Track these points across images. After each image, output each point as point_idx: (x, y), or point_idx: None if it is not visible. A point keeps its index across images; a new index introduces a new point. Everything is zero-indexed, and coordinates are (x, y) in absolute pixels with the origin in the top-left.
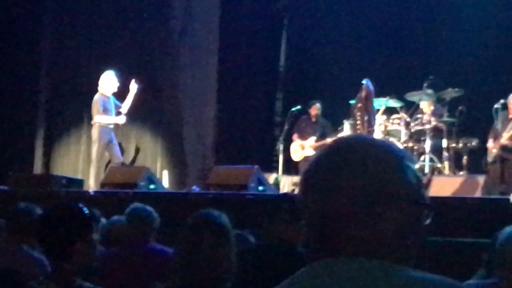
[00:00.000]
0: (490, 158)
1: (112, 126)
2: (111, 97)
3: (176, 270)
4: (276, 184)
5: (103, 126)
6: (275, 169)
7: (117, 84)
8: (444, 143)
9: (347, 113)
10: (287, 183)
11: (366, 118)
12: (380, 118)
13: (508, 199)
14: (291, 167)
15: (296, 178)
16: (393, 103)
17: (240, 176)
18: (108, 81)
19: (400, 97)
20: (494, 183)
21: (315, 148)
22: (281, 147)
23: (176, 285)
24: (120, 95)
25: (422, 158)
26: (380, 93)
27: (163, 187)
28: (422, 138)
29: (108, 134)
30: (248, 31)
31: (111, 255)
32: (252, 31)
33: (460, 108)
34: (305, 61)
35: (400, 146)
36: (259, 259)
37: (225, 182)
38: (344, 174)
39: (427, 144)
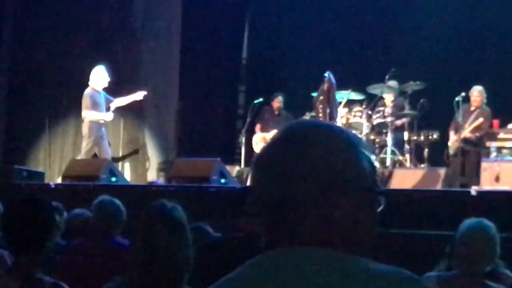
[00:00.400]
0: (451, 151)
1: (102, 122)
2: (101, 91)
3: (132, 264)
4: (239, 176)
5: (94, 122)
6: (238, 162)
7: (108, 79)
8: (406, 135)
9: (309, 105)
10: (250, 175)
11: (328, 110)
12: (342, 111)
13: (469, 191)
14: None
15: None
16: (355, 95)
17: (202, 168)
18: (99, 76)
19: (362, 90)
20: (455, 175)
21: None
22: (243, 139)
23: (133, 279)
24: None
25: (383, 151)
26: (342, 86)
27: (125, 179)
28: (383, 131)
29: (98, 129)
30: (210, 24)
31: (73, 248)
32: (214, 23)
33: (421, 101)
34: (267, 54)
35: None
36: (222, 253)
37: (187, 174)
38: (298, 161)
39: (389, 137)
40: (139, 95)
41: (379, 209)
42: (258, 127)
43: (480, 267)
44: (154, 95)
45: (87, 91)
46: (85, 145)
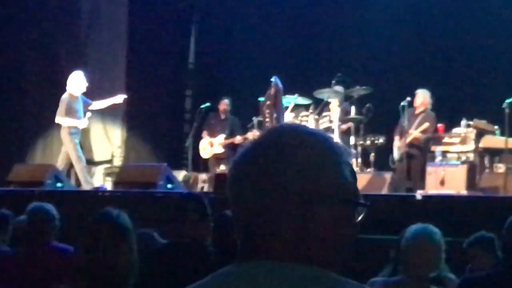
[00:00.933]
0: (396, 156)
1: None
2: (79, 97)
3: (76, 270)
4: (186, 181)
5: (72, 127)
6: (185, 166)
7: (86, 84)
8: (352, 140)
9: (256, 110)
10: (197, 181)
11: (275, 115)
12: (289, 116)
13: (415, 196)
14: (200, 164)
15: (205, 176)
16: (302, 100)
17: (149, 174)
18: (77, 81)
19: (308, 95)
20: (400, 180)
21: (224, 146)
22: (190, 144)
23: (78, 285)
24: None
25: None
26: (288, 91)
27: (70, 185)
28: (330, 136)
29: (78, 134)
30: (157, 28)
31: (15, 255)
32: (161, 28)
33: (367, 105)
34: (214, 58)
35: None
36: (167, 258)
37: (134, 180)
38: (276, 169)
39: None
40: (119, 98)
41: (358, 220)
42: (205, 132)
43: (426, 272)
44: (101, 99)
45: (64, 96)
46: (73, 152)
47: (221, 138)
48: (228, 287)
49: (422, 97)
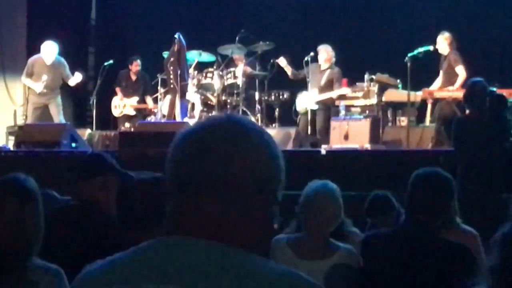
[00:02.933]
0: (300, 110)
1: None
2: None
3: None
4: (90, 139)
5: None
6: (89, 125)
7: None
8: (257, 95)
9: (161, 66)
10: (101, 139)
11: (179, 72)
12: (193, 72)
13: (319, 151)
14: (109, 121)
15: (110, 133)
16: (206, 57)
17: (52, 133)
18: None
19: (213, 51)
20: (304, 134)
21: (136, 109)
22: (94, 101)
23: None
24: None
25: (235, 111)
26: (192, 47)
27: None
28: (235, 91)
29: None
30: None
31: None
32: None
33: (271, 61)
34: (117, 14)
35: (214, 100)
36: (65, 220)
37: (37, 139)
38: (205, 159)
39: (240, 97)
40: (77, 77)
41: (275, 223)
42: (118, 89)
43: (324, 228)
44: (1, 58)
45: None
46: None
47: (133, 101)
48: (145, 261)
49: (326, 53)
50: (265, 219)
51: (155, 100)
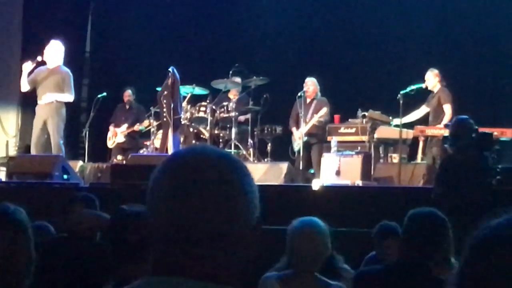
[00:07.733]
0: (296, 147)
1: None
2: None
3: None
4: (82, 171)
5: None
6: (81, 156)
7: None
8: (249, 130)
9: (154, 100)
10: (93, 171)
11: (172, 105)
12: (186, 106)
13: (311, 186)
14: (102, 153)
15: (102, 165)
16: (199, 90)
17: (44, 164)
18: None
19: (206, 85)
20: (299, 170)
21: (125, 135)
22: (86, 134)
23: None
24: None
25: (227, 145)
26: (186, 81)
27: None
28: (228, 126)
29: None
30: (54, 15)
31: None
32: (58, 15)
33: (264, 96)
34: (111, 47)
35: (206, 133)
36: (57, 250)
37: (29, 170)
38: (193, 208)
39: (233, 132)
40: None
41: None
42: (112, 124)
43: (311, 263)
44: None
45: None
46: None
47: (123, 128)
48: None
49: (312, 85)
50: (250, 254)
51: (147, 133)
